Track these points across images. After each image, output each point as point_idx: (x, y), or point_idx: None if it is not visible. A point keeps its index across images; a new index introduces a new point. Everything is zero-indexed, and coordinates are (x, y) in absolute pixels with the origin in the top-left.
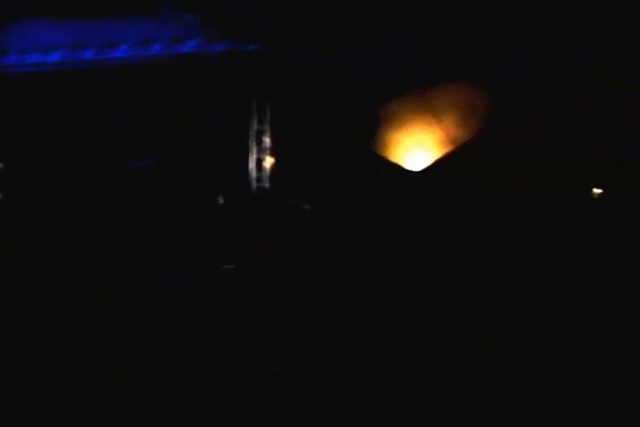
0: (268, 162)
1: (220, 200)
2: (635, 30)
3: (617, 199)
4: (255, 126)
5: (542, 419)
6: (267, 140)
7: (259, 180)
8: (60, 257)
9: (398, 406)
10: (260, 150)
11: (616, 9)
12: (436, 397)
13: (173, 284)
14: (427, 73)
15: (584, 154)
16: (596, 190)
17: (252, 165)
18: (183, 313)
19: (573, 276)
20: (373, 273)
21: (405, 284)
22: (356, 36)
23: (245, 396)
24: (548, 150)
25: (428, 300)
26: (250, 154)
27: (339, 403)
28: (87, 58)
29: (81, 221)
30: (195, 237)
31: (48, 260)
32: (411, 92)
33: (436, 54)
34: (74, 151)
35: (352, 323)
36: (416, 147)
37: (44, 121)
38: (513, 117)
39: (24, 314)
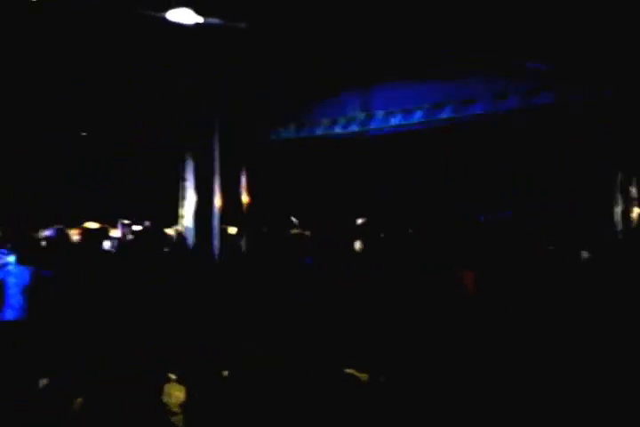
0: (636, 213)
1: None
2: None
3: None
4: (619, 176)
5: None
6: (633, 190)
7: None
8: None
9: None
10: (627, 200)
11: None
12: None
13: None
14: None
15: None
16: None
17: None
18: None
19: None
20: None
21: None
22: None
23: None
24: None
25: None
26: (615, 204)
27: None
28: (445, 116)
29: None
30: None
31: None
32: None
33: None
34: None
35: None
36: None
37: (403, 177)
38: None
39: None
